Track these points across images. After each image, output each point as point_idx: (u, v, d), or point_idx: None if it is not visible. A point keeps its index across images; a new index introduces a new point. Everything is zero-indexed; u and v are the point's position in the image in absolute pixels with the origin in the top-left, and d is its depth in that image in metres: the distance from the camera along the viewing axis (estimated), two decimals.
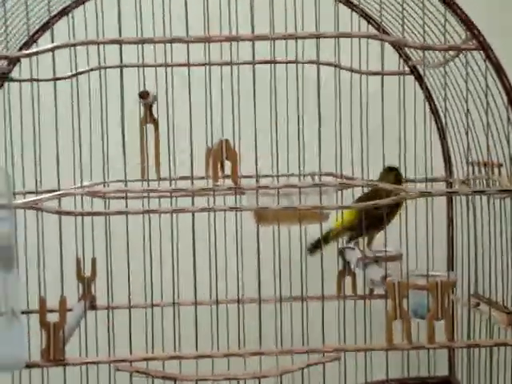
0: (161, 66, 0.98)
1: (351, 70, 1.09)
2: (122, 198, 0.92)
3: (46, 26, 1.08)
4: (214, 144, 0.86)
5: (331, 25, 0.98)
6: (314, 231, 1.09)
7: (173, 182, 1.11)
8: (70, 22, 1.01)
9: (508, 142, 0.88)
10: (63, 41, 0.93)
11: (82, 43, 0.84)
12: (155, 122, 1.09)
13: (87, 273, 1.11)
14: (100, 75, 1.05)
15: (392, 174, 1.09)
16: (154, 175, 1.07)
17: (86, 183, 1.05)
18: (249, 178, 1.08)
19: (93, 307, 1.11)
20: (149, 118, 1.08)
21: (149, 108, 1.09)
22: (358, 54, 1.05)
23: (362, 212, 1.03)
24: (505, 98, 0.87)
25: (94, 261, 1.10)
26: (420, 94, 1.13)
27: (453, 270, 1.13)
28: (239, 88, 1.09)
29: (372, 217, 1.03)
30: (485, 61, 0.85)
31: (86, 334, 1.06)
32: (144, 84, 0.96)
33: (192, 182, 0.91)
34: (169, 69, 1.09)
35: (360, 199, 1.07)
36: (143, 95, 1.03)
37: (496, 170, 0.95)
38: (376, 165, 1.10)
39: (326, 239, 1.09)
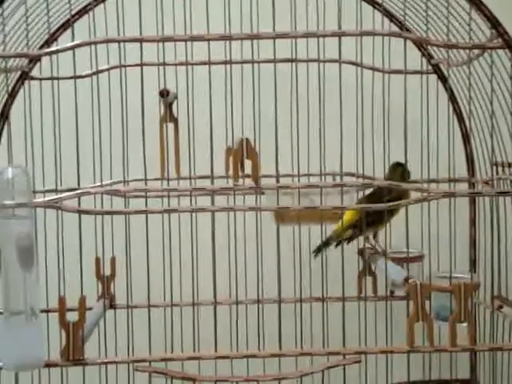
0: (181, 64, 0.97)
1: (373, 69, 1.08)
2: (142, 196, 0.92)
3: (67, 25, 1.08)
4: (235, 143, 0.85)
5: (353, 23, 0.97)
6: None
7: (192, 180, 1.11)
8: (91, 20, 1.01)
9: None
10: (84, 39, 0.93)
11: (102, 41, 0.83)
12: (175, 121, 1.08)
13: (107, 272, 1.10)
14: (120, 73, 1.05)
15: (398, 170, 1.07)
16: (173, 174, 1.07)
17: (105, 182, 1.05)
18: (269, 177, 1.08)
19: (112, 306, 1.10)
20: (169, 116, 1.08)
21: (169, 106, 1.09)
22: (380, 53, 1.04)
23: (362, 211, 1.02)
24: None
25: (113, 260, 1.09)
26: (443, 93, 1.12)
27: (475, 271, 1.12)
28: (260, 87, 1.09)
29: (373, 213, 1.00)
30: (510, 59, 0.84)
31: (105, 333, 1.06)
32: (164, 82, 0.95)
33: (212, 181, 0.90)
34: (189, 67, 1.09)
35: (366, 197, 1.05)
36: (163, 93, 1.03)
37: None
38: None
39: (329, 240, 1.09)
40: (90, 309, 1.04)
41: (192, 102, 1.09)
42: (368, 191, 1.07)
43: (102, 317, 1.04)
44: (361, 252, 1.13)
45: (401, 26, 1.09)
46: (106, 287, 1.09)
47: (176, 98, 1.09)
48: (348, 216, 1.06)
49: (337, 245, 1.08)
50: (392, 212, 1.01)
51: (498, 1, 0.88)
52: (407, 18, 1.05)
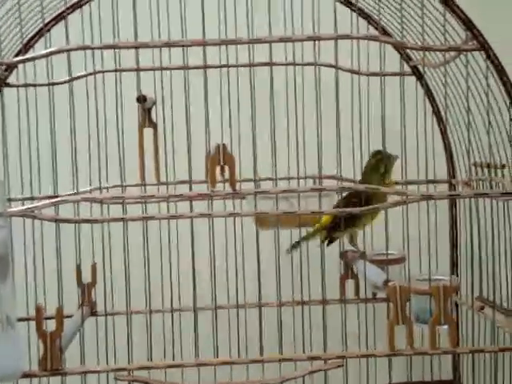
0: (157, 69, 0.96)
1: (351, 71, 1.08)
2: (120, 203, 0.91)
3: (43, 31, 1.07)
4: (211, 149, 0.85)
5: (331, 25, 0.97)
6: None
7: (172, 186, 1.11)
8: (67, 26, 1.00)
9: (510, 142, 0.86)
10: (60, 45, 0.93)
11: (77, 48, 0.83)
12: (154, 126, 1.08)
13: (87, 279, 1.10)
14: (95, 79, 1.04)
15: (374, 158, 1.06)
16: (153, 179, 1.07)
17: (83, 189, 1.04)
18: (249, 181, 1.07)
19: (93, 313, 1.10)
20: (147, 121, 1.07)
21: (147, 112, 1.08)
22: (358, 55, 1.04)
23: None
24: (506, 98, 0.85)
25: (93, 267, 1.09)
26: (422, 94, 1.12)
27: (457, 272, 1.12)
28: (238, 91, 1.09)
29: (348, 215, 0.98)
30: (485, 61, 0.84)
31: (82, 341, 1.05)
32: (139, 88, 0.94)
33: (190, 187, 0.90)
34: (168, 72, 1.08)
35: (343, 199, 1.05)
36: (140, 99, 1.03)
37: (499, 172, 0.94)
38: None
39: (302, 239, 1.09)
40: (71, 316, 1.03)
41: (171, 106, 1.09)
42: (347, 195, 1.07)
43: (82, 324, 1.04)
44: (342, 255, 1.12)
45: (378, 27, 1.09)
46: (87, 294, 1.08)
47: (154, 103, 1.08)
48: (324, 218, 1.07)
49: (327, 243, 1.08)
50: (371, 214, 1.00)
51: (472, 2, 0.88)
52: (384, 19, 1.05)
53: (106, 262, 1.05)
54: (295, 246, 1.10)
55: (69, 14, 1.05)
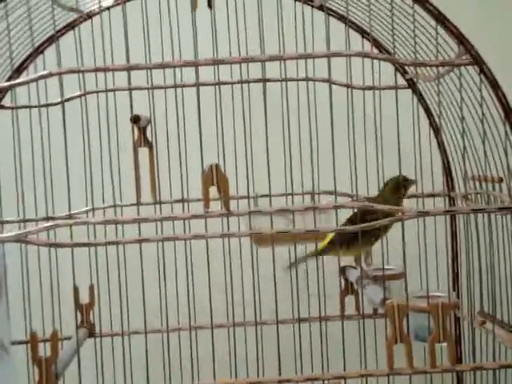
0: (149, 88, 0.96)
1: (346, 86, 1.07)
2: (114, 223, 0.90)
3: (35, 54, 1.07)
4: (205, 169, 0.84)
5: (323, 39, 0.96)
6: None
7: (168, 205, 1.10)
8: (58, 48, 1.00)
9: (506, 156, 0.85)
10: (54, 66, 0.93)
11: (68, 72, 0.82)
12: (150, 145, 1.07)
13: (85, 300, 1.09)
14: (85, 100, 1.04)
15: (388, 184, 1.06)
16: (149, 198, 1.06)
17: (78, 209, 1.04)
18: (245, 198, 1.07)
19: (92, 335, 1.09)
20: (143, 141, 1.07)
21: (142, 131, 1.08)
22: (353, 70, 1.03)
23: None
24: (501, 111, 0.84)
25: (91, 288, 1.08)
26: (420, 107, 1.11)
27: (458, 287, 1.11)
28: (234, 108, 1.08)
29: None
30: (479, 75, 0.83)
31: (79, 365, 1.04)
32: (132, 108, 0.94)
33: (183, 207, 0.89)
34: (162, 91, 1.08)
35: (349, 220, 1.04)
36: (134, 119, 1.02)
37: (497, 185, 0.93)
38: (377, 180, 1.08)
39: (304, 258, 1.09)
40: (69, 338, 1.03)
41: (166, 125, 1.09)
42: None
43: (81, 346, 1.03)
44: (342, 270, 1.11)
45: (373, 41, 1.08)
46: (85, 316, 1.08)
47: (149, 122, 1.07)
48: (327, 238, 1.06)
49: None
50: (379, 233, 0.99)
51: (465, 17, 0.87)
52: (378, 33, 1.04)
53: (102, 283, 1.04)
54: (295, 263, 1.08)
55: (60, 35, 1.05)
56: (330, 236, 1.07)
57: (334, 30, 1.02)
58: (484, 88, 0.83)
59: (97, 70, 0.84)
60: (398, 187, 1.05)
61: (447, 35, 0.85)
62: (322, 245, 1.08)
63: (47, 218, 1.01)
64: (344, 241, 1.02)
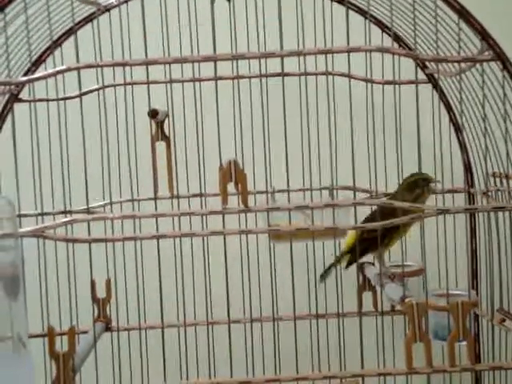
0: (167, 82, 0.95)
1: (366, 80, 1.06)
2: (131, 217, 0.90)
3: (53, 47, 1.07)
4: (223, 165, 0.84)
5: (343, 33, 0.95)
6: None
7: (185, 199, 1.10)
8: (76, 42, 0.99)
9: None
10: (72, 59, 0.92)
11: (85, 66, 0.82)
12: (167, 140, 1.07)
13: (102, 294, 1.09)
14: (104, 94, 1.03)
15: (406, 181, 1.02)
16: (166, 192, 1.06)
17: (95, 204, 1.04)
18: (263, 193, 1.06)
19: (108, 329, 1.09)
20: (160, 135, 1.06)
21: (160, 125, 1.07)
22: (373, 64, 1.02)
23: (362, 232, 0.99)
24: None
25: (108, 282, 1.08)
26: (440, 103, 1.10)
27: (477, 284, 1.09)
28: (251, 102, 1.07)
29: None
30: (502, 71, 0.81)
31: (96, 360, 1.04)
32: (150, 103, 0.93)
33: (201, 202, 0.89)
34: (180, 84, 1.07)
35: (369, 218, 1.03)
36: (152, 114, 1.02)
37: None
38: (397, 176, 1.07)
39: (332, 265, 1.07)
40: (86, 332, 1.03)
41: (184, 120, 1.08)
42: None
43: (97, 341, 1.03)
44: (360, 267, 1.10)
45: (394, 36, 1.07)
46: (102, 310, 1.08)
47: (167, 115, 1.07)
48: (350, 239, 1.04)
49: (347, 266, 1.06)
50: (402, 230, 0.98)
51: (488, 11, 0.86)
52: (398, 27, 1.03)
53: (119, 277, 1.04)
54: (327, 272, 1.07)
55: (79, 28, 1.05)
56: (351, 239, 1.05)
57: (354, 24, 1.01)
58: (507, 84, 0.82)
59: (115, 64, 0.84)
60: (412, 186, 1.02)
61: (469, 30, 0.84)
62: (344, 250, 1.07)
63: (64, 212, 1.01)
64: (364, 248, 1.00)
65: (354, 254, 1.03)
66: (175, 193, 1.05)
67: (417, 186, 1.01)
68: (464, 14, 0.80)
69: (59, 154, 1.01)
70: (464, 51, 0.86)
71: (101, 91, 1.05)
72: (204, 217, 0.96)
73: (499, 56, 0.80)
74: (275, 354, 0.94)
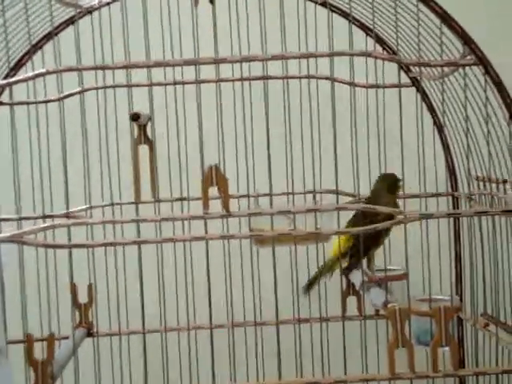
0: (147, 85, 0.94)
1: (349, 84, 1.05)
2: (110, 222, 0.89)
3: (34, 49, 1.06)
4: (205, 169, 0.83)
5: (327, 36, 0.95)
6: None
7: (168, 203, 1.09)
8: (58, 44, 0.99)
9: (510, 156, 0.84)
10: (51, 63, 0.91)
11: (65, 70, 0.81)
12: (150, 143, 1.06)
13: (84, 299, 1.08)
14: (83, 97, 1.02)
15: (385, 183, 1.03)
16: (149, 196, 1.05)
17: (76, 208, 1.03)
18: (246, 197, 1.06)
19: (90, 334, 1.08)
20: (143, 138, 1.05)
21: (143, 128, 1.06)
22: (356, 67, 1.01)
23: (355, 237, 0.98)
24: (506, 112, 0.82)
25: (90, 287, 1.07)
26: (424, 106, 1.10)
27: (461, 288, 1.09)
28: (235, 105, 1.07)
29: (367, 238, 0.95)
30: (484, 75, 0.81)
31: (77, 365, 1.03)
32: (129, 105, 0.92)
33: (182, 207, 0.88)
34: (162, 88, 1.07)
35: (352, 222, 1.02)
36: (134, 117, 1.01)
37: (502, 186, 0.91)
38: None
39: (320, 274, 1.06)
40: (67, 338, 1.02)
41: (167, 123, 1.07)
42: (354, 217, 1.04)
43: (79, 346, 1.02)
44: (345, 271, 1.10)
45: (377, 39, 1.07)
46: (84, 315, 1.07)
47: (150, 119, 1.06)
48: (337, 245, 1.04)
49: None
50: (385, 234, 0.97)
51: (470, 15, 0.85)
52: (383, 31, 1.03)
53: (101, 282, 1.03)
54: (311, 284, 1.06)
55: (59, 31, 1.04)
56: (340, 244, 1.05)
57: (338, 27, 1.01)
58: (489, 89, 0.81)
59: (95, 68, 0.83)
60: (394, 187, 1.03)
61: (451, 35, 0.83)
62: (330, 259, 1.06)
63: (44, 217, 1.00)
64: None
65: (352, 257, 1.02)
66: (158, 197, 1.04)
67: (396, 187, 1.01)
68: (446, 19, 0.80)
69: (40, 158, 1.00)
70: (447, 55, 0.86)
71: (84, 94, 1.04)
72: (186, 222, 0.95)
73: (481, 60, 0.80)
74: (257, 359, 0.93)
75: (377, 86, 0.98)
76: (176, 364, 1.07)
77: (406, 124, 0.90)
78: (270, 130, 0.93)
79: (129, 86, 0.87)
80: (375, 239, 0.98)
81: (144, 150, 1.04)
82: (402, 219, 0.81)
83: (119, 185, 1.08)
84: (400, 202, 1.01)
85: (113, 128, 1.08)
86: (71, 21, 1.05)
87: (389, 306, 0.84)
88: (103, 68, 0.83)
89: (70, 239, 0.83)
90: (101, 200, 1.08)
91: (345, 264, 1.04)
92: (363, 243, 0.92)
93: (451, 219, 1.10)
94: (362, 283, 1.01)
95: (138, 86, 0.99)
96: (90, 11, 1.04)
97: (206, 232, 0.85)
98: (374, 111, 1.06)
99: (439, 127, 1.09)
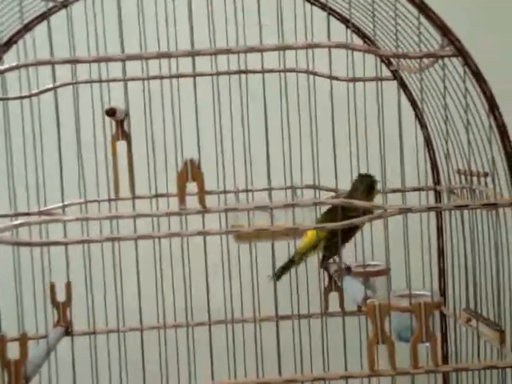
0: (122, 80, 0.92)
1: (329, 77, 1.04)
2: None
3: (10, 43, 1.04)
4: (181, 164, 0.81)
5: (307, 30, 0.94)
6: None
7: (146, 200, 1.07)
8: (31, 39, 0.97)
9: (491, 149, 0.82)
10: (30, 55, 0.90)
11: (35, 64, 0.79)
12: (128, 139, 1.04)
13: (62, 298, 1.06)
14: (56, 94, 1.00)
15: (361, 185, 1.02)
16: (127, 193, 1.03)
17: (50, 206, 1.01)
18: (230, 193, 1.04)
19: (69, 333, 1.06)
20: (120, 134, 1.04)
21: (120, 124, 1.05)
22: (337, 60, 1.00)
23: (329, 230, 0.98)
24: (485, 104, 0.81)
25: (68, 285, 1.05)
26: (405, 99, 1.08)
27: (445, 283, 1.08)
28: (215, 100, 1.05)
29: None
30: (463, 66, 0.80)
31: (55, 364, 1.01)
32: (101, 99, 0.91)
33: (157, 203, 0.86)
34: (139, 83, 1.05)
35: (326, 215, 1.01)
36: (109, 112, 0.99)
37: (483, 179, 0.90)
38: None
39: (291, 263, 1.05)
40: (46, 337, 1.00)
41: (145, 118, 1.06)
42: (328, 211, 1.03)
43: (56, 345, 1.00)
44: (324, 267, 1.09)
45: (356, 31, 1.06)
46: (62, 313, 1.05)
47: (127, 114, 1.04)
48: (311, 236, 1.02)
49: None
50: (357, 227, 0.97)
51: (449, 6, 0.84)
52: (364, 24, 1.01)
53: (80, 280, 1.01)
54: (283, 271, 1.05)
55: (35, 25, 1.02)
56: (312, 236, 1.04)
57: (318, 20, 1.00)
58: (468, 80, 0.80)
59: (67, 61, 0.81)
60: (371, 189, 1.03)
61: (429, 26, 0.82)
62: (304, 247, 1.05)
63: (17, 214, 0.98)
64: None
65: (326, 249, 1.01)
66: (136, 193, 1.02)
67: (373, 189, 1.01)
68: (424, 9, 0.78)
69: (10, 156, 0.98)
70: (426, 47, 0.85)
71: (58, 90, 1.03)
72: (163, 218, 0.93)
73: (460, 51, 0.78)
74: (235, 357, 0.91)
75: (357, 80, 0.96)
76: (155, 362, 1.06)
77: (387, 118, 0.89)
78: (249, 126, 0.91)
79: (101, 81, 0.85)
80: (349, 233, 0.97)
81: (121, 145, 1.03)
82: (381, 213, 0.80)
83: (97, 182, 1.06)
84: (380, 196, 1.00)
85: (89, 124, 1.06)
86: (48, 14, 1.03)
87: (368, 301, 0.82)
88: (75, 62, 0.80)
89: (42, 237, 0.81)
90: (77, 197, 1.06)
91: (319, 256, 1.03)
92: (335, 237, 0.91)
93: (434, 214, 1.09)
94: (335, 272, 1.00)
95: (112, 81, 0.98)
96: (65, 5, 1.03)
97: (182, 228, 0.83)
98: (354, 105, 1.04)
99: (421, 120, 1.08)
